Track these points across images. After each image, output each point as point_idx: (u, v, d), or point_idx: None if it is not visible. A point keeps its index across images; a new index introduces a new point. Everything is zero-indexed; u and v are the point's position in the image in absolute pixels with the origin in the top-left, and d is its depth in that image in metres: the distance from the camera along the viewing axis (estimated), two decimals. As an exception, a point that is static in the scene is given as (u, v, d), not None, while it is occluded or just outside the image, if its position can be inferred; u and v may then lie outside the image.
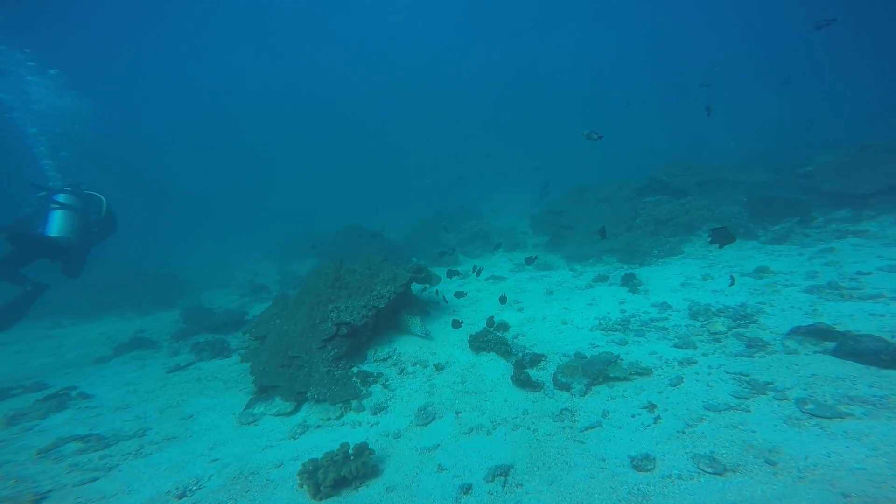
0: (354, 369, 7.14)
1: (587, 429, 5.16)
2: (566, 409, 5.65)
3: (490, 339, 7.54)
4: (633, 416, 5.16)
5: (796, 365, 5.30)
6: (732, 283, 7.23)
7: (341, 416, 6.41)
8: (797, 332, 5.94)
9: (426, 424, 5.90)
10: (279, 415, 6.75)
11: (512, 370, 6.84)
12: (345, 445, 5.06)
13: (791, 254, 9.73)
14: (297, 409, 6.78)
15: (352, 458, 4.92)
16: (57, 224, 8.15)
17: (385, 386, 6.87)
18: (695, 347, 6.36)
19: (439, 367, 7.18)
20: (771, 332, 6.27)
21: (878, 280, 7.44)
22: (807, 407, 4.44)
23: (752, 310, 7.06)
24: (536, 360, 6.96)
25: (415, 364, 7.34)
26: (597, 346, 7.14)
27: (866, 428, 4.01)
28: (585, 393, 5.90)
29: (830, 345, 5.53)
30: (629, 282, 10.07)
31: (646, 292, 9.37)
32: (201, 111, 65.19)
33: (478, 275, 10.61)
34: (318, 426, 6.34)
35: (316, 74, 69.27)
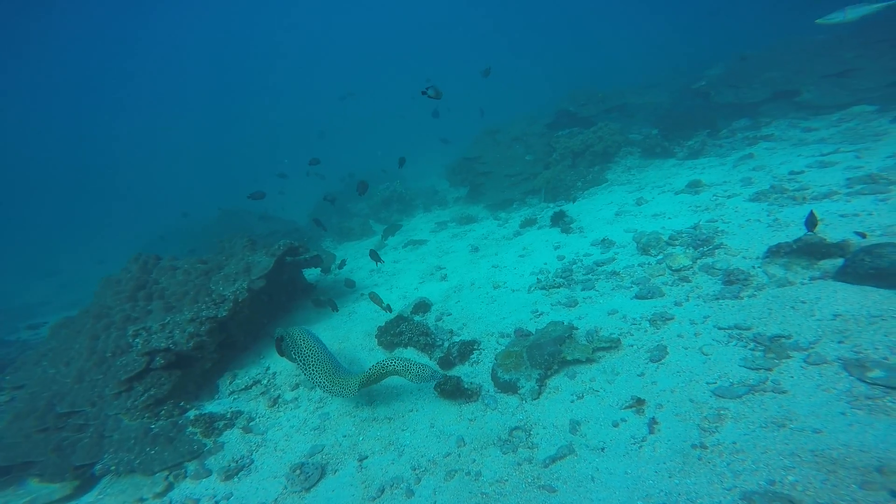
0: (191, 413, 4.25)
1: (554, 460, 3.05)
2: (518, 427, 3.49)
3: (404, 331, 5.08)
4: (615, 423, 3.14)
5: (802, 303, 3.64)
6: None
7: (166, 490, 3.60)
8: (777, 252, 4.32)
9: (310, 488, 3.40)
10: (38, 507, 3.74)
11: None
12: None
13: (714, 165, 8.53)
14: (78, 492, 3.78)
15: None
16: None
17: (247, 430, 4.13)
18: (662, 295, 4.53)
19: (335, 389, 4.59)
20: (744, 258, 4.64)
21: (815, 177, 6.30)
22: (870, 374, 2.70)
23: (708, 230, 5.44)
24: (467, 350, 4.68)
25: (297, 387, 4.65)
26: (541, 314, 5.06)
27: None
28: (539, 393, 3.78)
29: (828, 264, 3.97)
30: (560, 220, 8.17)
31: (580, 230, 7.53)
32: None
33: (340, 267, 8.00)
34: (124, 519, 3.52)
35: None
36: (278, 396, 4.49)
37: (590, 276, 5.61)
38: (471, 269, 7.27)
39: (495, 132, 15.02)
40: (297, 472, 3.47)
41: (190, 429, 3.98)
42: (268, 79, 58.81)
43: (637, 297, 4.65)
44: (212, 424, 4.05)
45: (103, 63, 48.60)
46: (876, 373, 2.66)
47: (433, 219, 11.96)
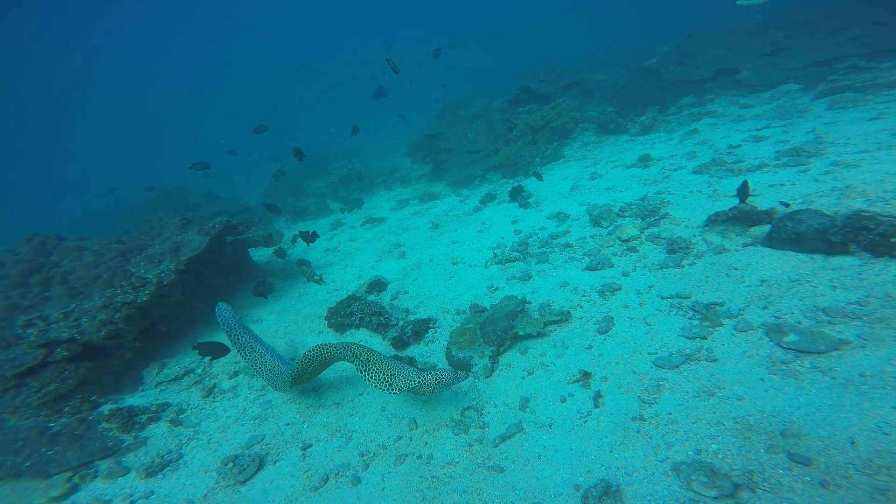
0: (106, 408, 3.76)
1: (504, 439, 2.93)
2: (470, 406, 3.34)
3: (356, 311, 4.74)
4: (563, 399, 3.06)
5: (735, 269, 3.68)
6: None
7: (69, 492, 3.12)
8: (715, 220, 4.36)
9: (245, 481, 3.11)
10: None
11: (390, 352, 4.28)
12: None
13: (663, 140, 8.62)
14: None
15: None
16: None
17: (176, 422, 3.71)
18: (611, 266, 4.48)
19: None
20: (686, 226, 4.67)
21: (750, 150, 6.46)
22: (786, 339, 2.73)
23: (654, 202, 5.45)
24: (422, 328, 4.45)
25: (236, 374, 4.24)
26: (496, 289, 4.90)
27: (881, 362, 2.41)
28: (492, 370, 3.64)
29: (758, 230, 4.04)
30: (518, 195, 7.98)
31: (537, 204, 7.40)
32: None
33: (293, 242, 7.23)
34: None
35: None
36: (214, 386, 4.07)
37: (544, 249, 5.50)
38: (430, 245, 6.97)
39: (457, 108, 14.41)
40: (230, 464, 3.15)
41: (103, 425, 3.51)
42: (213, 48, 52.62)
43: (588, 268, 4.58)
44: (132, 419, 3.59)
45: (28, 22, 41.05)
46: (791, 337, 2.70)
47: (395, 196, 11.42)
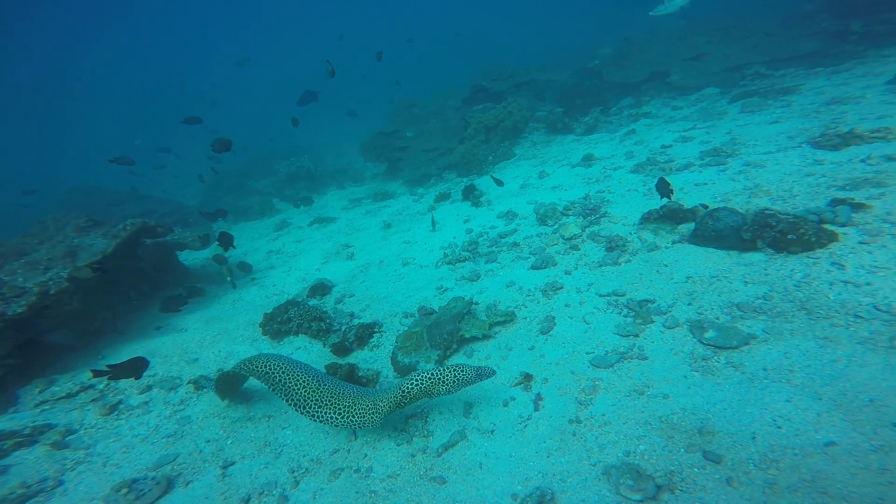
0: None
1: (447, 447, 2.79)
2: (414, 414, 3.16)
3: (293, 317, 4.36)
4: (505, 403, 2.97)
5: (665, 266, 3.82)
6: None
7: None
8: (648, 218, 4.53)
9: None
10: None
11: (330, 360, 3.97)
12: None
13: (605, 140, 8.95)
14: None
15: None
16: None
17: (59, 445, 3.19)
18: (555, 265, 4.50)
19: (201, 385, 3.75)
20: (623, 224, 4.81)
21: (679, 150, 6.86)
22: (706, 335, 2.84)
23: (595, 200, 5.58)
24: (366, 333, 4.18)
25: (149, 389, 3.72)
26: (445, 290, 4.75)
27: (780, 355, 2.57)
28: (437, 376, 3.50)
29: (685, 227, 4.24)
30: (470, 194, 7.90)
31: (489, 203, 7.36)
32: None
33: (224, 244, 6.39)
34: None
35: None
36: (119, 402, 3.54)
37: (493, 248, 5.44)
38: (381, 246, 6.67)
39: (412, 106, 14.05)
40: (125, 490, 2.71)
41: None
42: (142, 33, 46.86)
43: (533, 267, 4.57)
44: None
45: None
46: (710, 333, 2.82)
47: (347, 196, 10.90)
